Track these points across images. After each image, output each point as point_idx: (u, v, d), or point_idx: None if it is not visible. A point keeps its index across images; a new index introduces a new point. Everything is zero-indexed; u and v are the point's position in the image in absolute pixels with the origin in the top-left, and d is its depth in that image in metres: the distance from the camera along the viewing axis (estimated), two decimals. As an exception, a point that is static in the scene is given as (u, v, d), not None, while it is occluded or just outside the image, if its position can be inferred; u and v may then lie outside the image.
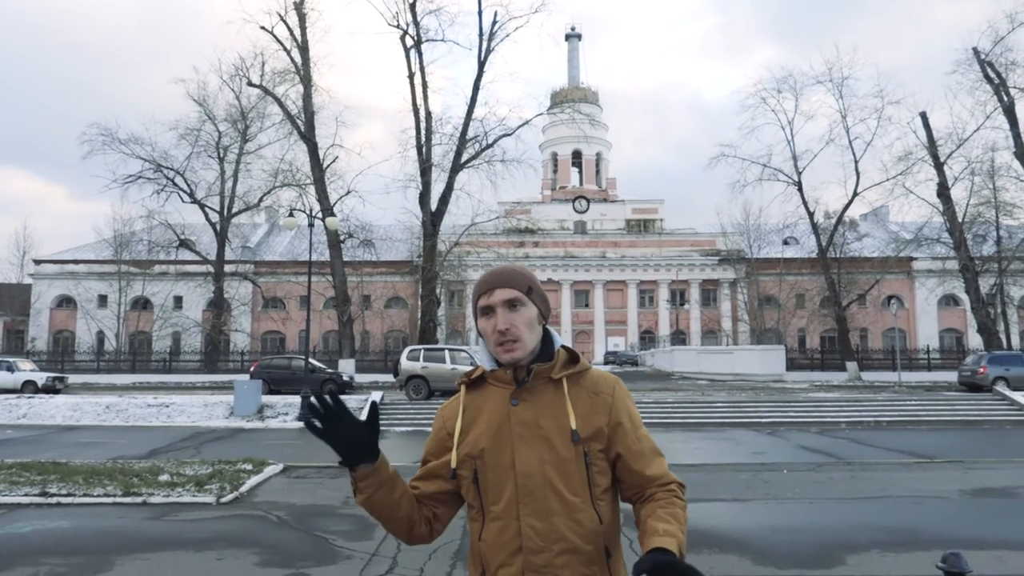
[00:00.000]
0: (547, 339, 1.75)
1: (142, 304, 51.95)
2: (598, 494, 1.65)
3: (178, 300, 53.81)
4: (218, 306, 42.80)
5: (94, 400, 21.60)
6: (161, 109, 67.91)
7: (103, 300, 52.86)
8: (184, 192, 39.13)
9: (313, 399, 1.63)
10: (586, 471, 1.63)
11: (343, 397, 18.01)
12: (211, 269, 42.48)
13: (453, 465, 1.70)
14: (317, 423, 1.62)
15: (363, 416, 1.66)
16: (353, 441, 1.64)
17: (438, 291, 34.32)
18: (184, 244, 41.42)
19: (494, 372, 1.74)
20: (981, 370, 25.65)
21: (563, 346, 1.74)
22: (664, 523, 1.54)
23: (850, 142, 35.70)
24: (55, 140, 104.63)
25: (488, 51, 30.71)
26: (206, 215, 40.40)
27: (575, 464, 1.62)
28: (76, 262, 54.92)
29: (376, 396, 21.79)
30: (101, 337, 51.30)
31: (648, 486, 1.67)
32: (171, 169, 38.63)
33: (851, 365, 35.82)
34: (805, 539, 7.19)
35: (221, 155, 40.09)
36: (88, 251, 54.93)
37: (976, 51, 31.20)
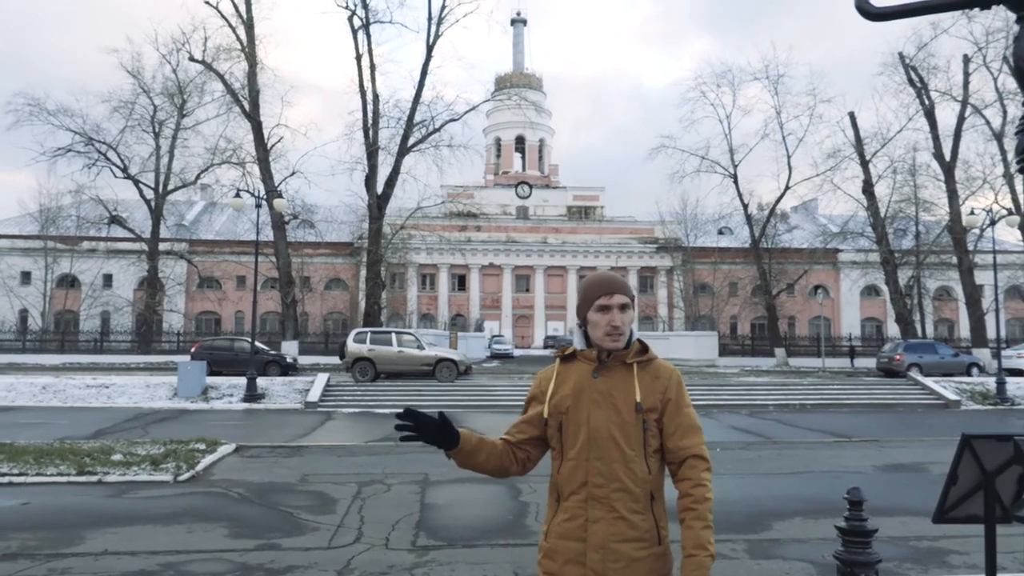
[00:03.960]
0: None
1: (69, 282, 50.08)
2: (649, 452, 2.19)
3: (108, 278, 52.03)
4: (152, 285, 41.69)
5: (29, 380, 21.03)
6: (92, 79, 65.02)
7: (27, 277, 50.76)
8: (117, 167, 37.76)
9: (400, 416, 2.11)
10: (642, 433, 2.18)
11: (292, 378, 18.13)
12: (144, 247, 41.29)
13: (545, 415, 2.26)
14: (409, 431, 2.11)
15: (436, 418, 2.17)
16: (436, 435, 2.15)
17: (382, 274, 34.33)
18: (116, 220, 40.04)
19: (583, 351, 2.28)
20: (897, 357, 27.38)
21: (639, 339, 2.29)
22: (693, 536, 2.09)
23: (784, 138, 37.23)
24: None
25: (437, 35, 30.73)
26: (140, 191, 39.16)
27: (634, 427, 2.17)
28: (-2, 236, 52.52)
29: (322, 378, 21.90)
30: (25, 315, 49.31)
31: (678, 452, 2.19)
32: (103, 143, 37.20)
33: (779, 351, 37.53)
34: (737, 509, 7.87)
35: (156, 130, 38.83)
36: (11, 225, 52.57)
37: (902, 56, 32.87)
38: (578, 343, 2.31)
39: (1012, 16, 2.06)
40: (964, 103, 32.02)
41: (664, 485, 2.24)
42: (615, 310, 2.22)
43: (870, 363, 32.81)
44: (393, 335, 23.72)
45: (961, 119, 32.33)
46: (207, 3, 31.07)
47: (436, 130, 31.17)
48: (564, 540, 2.16)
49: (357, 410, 18.70)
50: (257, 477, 9.82)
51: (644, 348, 2.27)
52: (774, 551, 6.28)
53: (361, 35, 30.43)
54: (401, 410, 2.13)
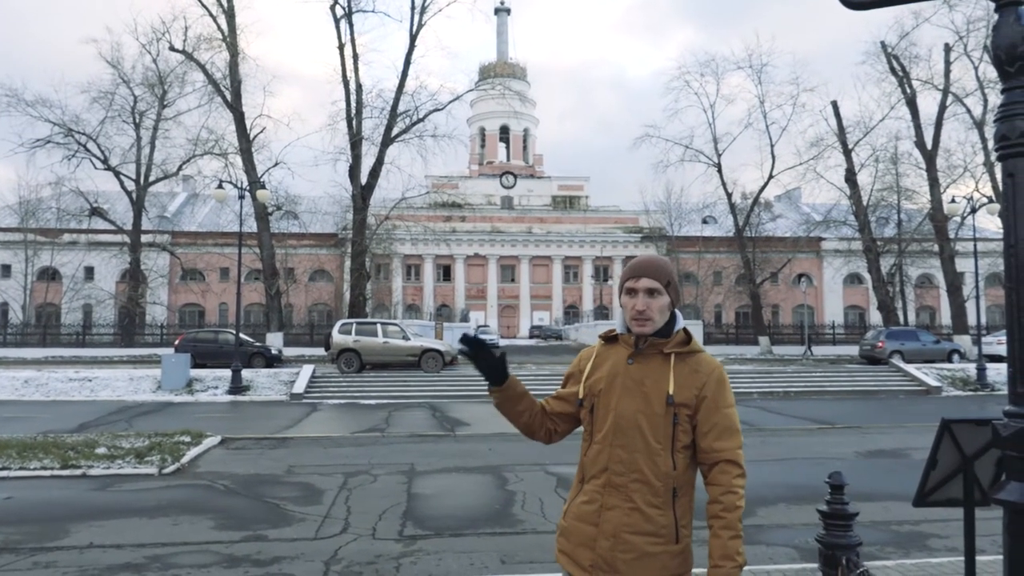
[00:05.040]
0: (672, 320, 2.21)
1: (50, 275, 49.54)
2: (678, 447, 2.11)
3: (89, 271, 51.54)
4: (135, 278, 41.28)
5: (10, 374, 20.79)
6: (71, 70, 64.11)
7: (6, 270, 50.15)
8: (97, 158, 37.17)
9: (466, 336, 2.23)
10: (672, 428, 2.10)
11: (277, 369, 18.10)
12: (126, 239, 40.84)
13: (580, 396, 2.25)
14: (469, 352, 2.19)
15: (497, 354, 2.24)
16: (490, 368, 2.22)
17: (367, 265, 34.20)
18: (96, 212, 39.50)
19: (623, 335, 2.24)
20: (880, 344, 27.64)
21: (684, 329, 2.21)
22: (721, 546, 2.01)
23: (767, 127, 37.31)
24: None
25: (420, 25, 30.50)
26: (121, 183, 38.64)
27: (663, 420, 2.10)
28: (-24, 229, 51.77)
29: (307, 369, 21.83)
30: (5, 309, 48.79)
31: (711, 454, 2.10)
32: (83, 134, 36.58)
33: (763, 339, 37.77)
34: (721, 495, 7.94)
35: (137, 120, 38.28)
36: (-11, 218, 51.86)
37: (883, 44, 33.04)
38: (619, 327, 2.27)
39: (992, 5, 2.08)
40: (945, 92, 32.25)
41: (694, 484, 2.17)
42: (641, 294, 2.16)
43: (853, 350, 33.08)
44: (378, 326, 23.69)
45: (942, 108, 32.57)
46: (187, -9, 30.68)
47: (420, 120, 31.01)
48: (579, 522, 2.16)
49: (343, 401, 18.66)
50: (243, 469, 9.79)
51: (687, 339, 2.19)
52: (758, 537, 6.34)
53: (344, 24, 30.20)
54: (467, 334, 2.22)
